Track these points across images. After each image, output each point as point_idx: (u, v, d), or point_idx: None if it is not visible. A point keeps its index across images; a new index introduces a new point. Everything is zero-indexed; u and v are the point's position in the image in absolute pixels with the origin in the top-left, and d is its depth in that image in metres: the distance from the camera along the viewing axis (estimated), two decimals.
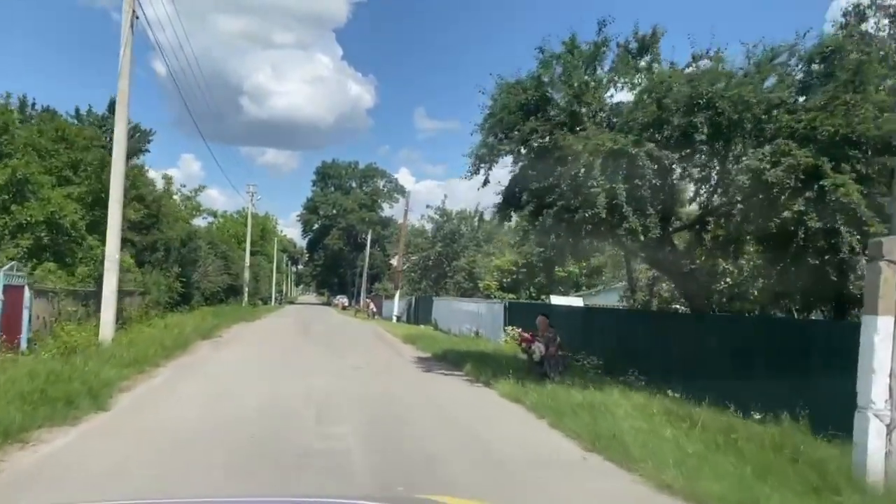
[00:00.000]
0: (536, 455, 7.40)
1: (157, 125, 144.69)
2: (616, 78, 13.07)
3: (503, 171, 14.55)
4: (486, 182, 14.33)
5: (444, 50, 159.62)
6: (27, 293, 14.16)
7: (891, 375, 6.31)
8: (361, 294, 63.51)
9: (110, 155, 16.64)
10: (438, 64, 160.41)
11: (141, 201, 24.84)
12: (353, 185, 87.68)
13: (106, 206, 16.35)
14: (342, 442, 7.55)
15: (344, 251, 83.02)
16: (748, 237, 14.43)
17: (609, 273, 32.83)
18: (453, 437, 8.25)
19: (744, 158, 11.55)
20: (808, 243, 11.29)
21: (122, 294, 20.14)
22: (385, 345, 23.73)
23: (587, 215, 11.03)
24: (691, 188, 13.36)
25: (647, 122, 11.44)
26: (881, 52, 11.61)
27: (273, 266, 71.71)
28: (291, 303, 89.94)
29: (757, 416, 9.96)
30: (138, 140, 36.57)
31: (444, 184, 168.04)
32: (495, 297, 32.04)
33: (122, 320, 18.99)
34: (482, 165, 14.00)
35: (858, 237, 10.36)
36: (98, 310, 16.10)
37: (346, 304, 68.22)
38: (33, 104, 30.92)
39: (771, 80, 12.07)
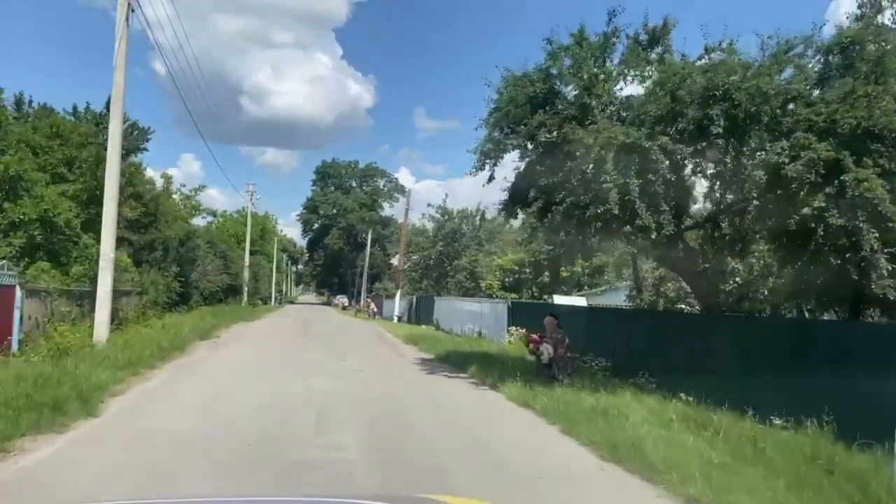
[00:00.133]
0: (551, 465, 6.96)
1: (158, 125, 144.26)
2: (626, 70, 12.65)
3: (507, 170, 14.18)
4: (491, 178, 13.94)
5: (444, 50, 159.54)
6: (18, 293, 13.72)
7: None
8: (361, 294, 63.07)
9: (106, 151, 16.21)
10: (438, 64, 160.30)
11: (138, 199, 24.40)
12: (353, 184, 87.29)
13: (101, 204, 15.93)
14: (344, 452, 7.12)
15: (344, 251, 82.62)
16: (757, 235, 14.05)
17: (611, 272, 32.45)
18: (461, 445, 7.81)
19: (760, 154, 11.15)
20: (827, 241, 10.88)
21: (118, 294, 19.75)
22: (386, 346, 23.29)
23: (599, 211, 10.60)
24: (703, 185, 12.91)
25: (660, 114, 11.01)
26: None
27: (273, 266, 71.25)
28: (291, 303, 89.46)
29: (777, 422, 9.58)
30: (136, 138, 36.21)
31: (443, 183, 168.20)
32: (497, 296, 31.64)
33: (118, 321, 18.59)
34: (487, 161, 13.59)
35: (876, 234, 9.97)
36: (93, 310, 15.68)
37: (347, 303, 67.76)
38: (30, 101, 30.61)
39: (787, 72, 11.67)
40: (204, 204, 48.38)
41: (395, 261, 58.42)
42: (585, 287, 32.56)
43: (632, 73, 12.44)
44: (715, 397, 10.42)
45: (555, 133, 12.15)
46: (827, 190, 10.29)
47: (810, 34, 11.64)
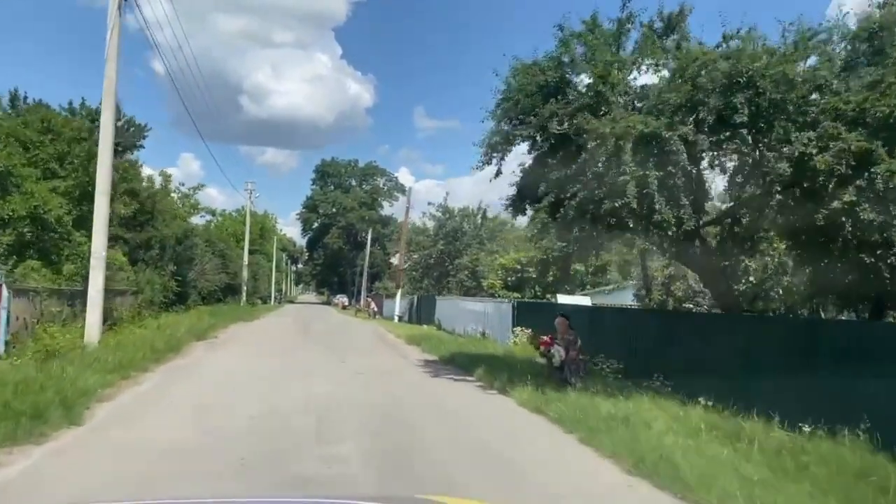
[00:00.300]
0: (573, 481, 6.37)
1: (157, 125, 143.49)
2: (640, 59, 12.04)
3: (514, 165, 13.59)
4: (498, 173, 13.35)
5: (444, 49, 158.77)
6: (4, 292, 13.12)
7: None
8: (361, 293, 62.47)
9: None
10: (438, 63, 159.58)
11: (134, 196, 23.83)
12: (353, 183, 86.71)
13: (94, 201, 15.33)
14: (346, 465, 6.52)
15: (344, 250, 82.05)
16: (770, 233, 13.46)
17: (614, 271, 31.84)
18: (472, 458, 7.22)
19: (784, 148, 10.54)
20: (856, 237, 10.29)
21: (113, 293, 19.17)
22: (388, 347, 22.69)
23: (617, 205, 9.99)
24: (720, 179, 12.32)
25: (679, 103, 10.40)
26: None
27: (272, 265, 70.66)
28: (291, 302, 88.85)
29: (807, 429, 8.99)
30: (133, 135, 35.60)
31: (443, 183, 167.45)
32: (499, 295, 31.03)
33: (112, 321, 18.01)
34: (495, 155, 13.00)
35: None
36: (85, 310, 15.09)
37: (346, 303, 67.20)
38: (25, 98, 30.06)
39: (812, 60, 11.08)
40: (203, 203, 47.89)
41: (395, 260, 57.84)
42: (588, 286, 31.97)
43: (647, 61, 11.82)
44: (736, 402, 9.84)
45: (565, 124, 11.54)
46: (857, 182, 9.71)
47: (836, 20, 11.06)
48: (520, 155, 13.46)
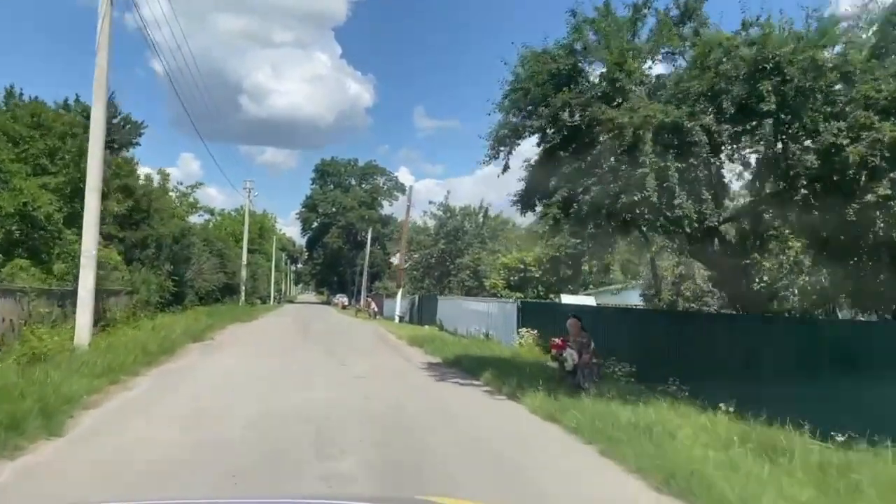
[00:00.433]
0: (597, 496, 5.78)
1: (157, 125, 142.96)
2: (657, 47, 11.44)
3: (521, 160, 12.99)
4: (506, 168, 12.74)
5: (444, 49, 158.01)
6: None
7: None
8: (361, 293, 61.87)
9: None
10: (438, 63, 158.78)
11: (129, 194, 23.26)
12: (353, 182, 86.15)
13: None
14: (349, 484, 5.93)
15: (343, 249, 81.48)
16: (787, 231, 12.88)
17: (617, 271, 31.23)
18: (486, 473, 6.61)
19: (808, 141, 9.95)
20: (889, 233, 9.70)
21: (107, 293, 18.58)
22: (390, 348, 22.08)
23: (636, 199, 9.38)
24: (742, 173, 11.70)
25: (701, 91, 9.80)
26: None
27: (272, 265, 70.07)
28: (290, 302, 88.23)
29: (840, 438, 8.41)
30: (129, 132, 34.98)
31: (443, 182, 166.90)
32: (502, 295, 30.45)
33: (105, 322, 17.44)
34: (502, 149, 12.40)
35: None
36: (76, 311, 14.49)
37: (346, 303, 66.62)
38: (20, 94, 29.44)
39: (839, 48, 10.49)
40: (203, 202, 47.28)
41: (395, 259, 57.27)
42: (591, 286, 31.38)
43: (664, 49, 11.23)
44: (760, 409, 9.25)
45: (578, 115, 10.94)
46: (892, 175, 9.13)
47: (864, 4, 10.46)
48: (525, 153, 12.92)
